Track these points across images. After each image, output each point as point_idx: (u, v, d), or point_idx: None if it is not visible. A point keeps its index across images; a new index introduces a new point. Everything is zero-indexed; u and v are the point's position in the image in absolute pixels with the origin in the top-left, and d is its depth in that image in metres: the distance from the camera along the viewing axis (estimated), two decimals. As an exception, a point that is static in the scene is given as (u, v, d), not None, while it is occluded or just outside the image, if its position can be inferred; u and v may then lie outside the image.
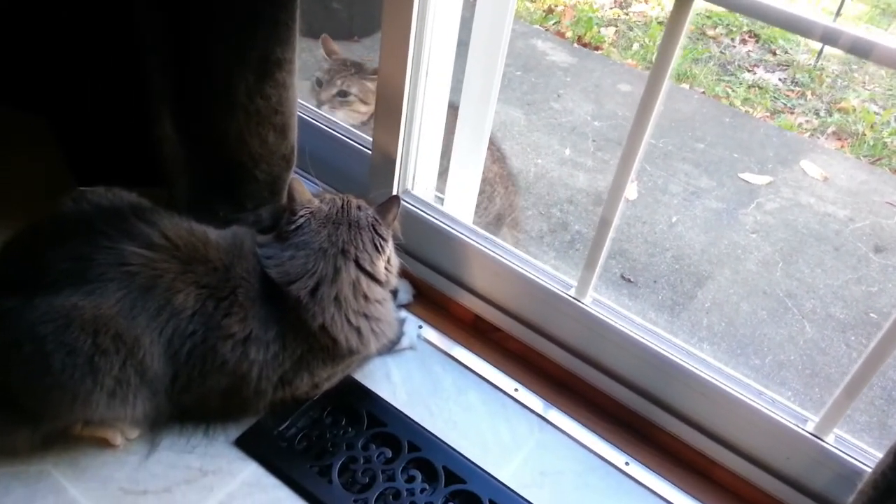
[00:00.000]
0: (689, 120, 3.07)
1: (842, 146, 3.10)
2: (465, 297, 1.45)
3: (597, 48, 3.57)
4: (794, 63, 3.54)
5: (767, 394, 1.19)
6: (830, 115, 3.24)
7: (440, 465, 1.22)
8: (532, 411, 1.33)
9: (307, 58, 3.04)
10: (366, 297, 1.19)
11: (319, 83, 2.07)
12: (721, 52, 3.60)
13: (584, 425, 1.32)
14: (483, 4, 1.30)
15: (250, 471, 1.19)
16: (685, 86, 3.33)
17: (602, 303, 1.31)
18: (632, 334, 1.26)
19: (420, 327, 1.45)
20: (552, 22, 3.71)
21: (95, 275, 1.04)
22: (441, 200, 1.53)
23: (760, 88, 3.37)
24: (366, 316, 1.19)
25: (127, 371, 1.05)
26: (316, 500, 1.16)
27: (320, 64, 2.14)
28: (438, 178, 1.53)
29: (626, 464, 1.27)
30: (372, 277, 1.20)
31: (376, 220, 1.22)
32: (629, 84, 3.24)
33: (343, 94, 2.03)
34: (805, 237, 2.54)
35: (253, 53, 1.14)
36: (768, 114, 3.24)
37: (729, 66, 3.49)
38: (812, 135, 3.15)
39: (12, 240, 1.13)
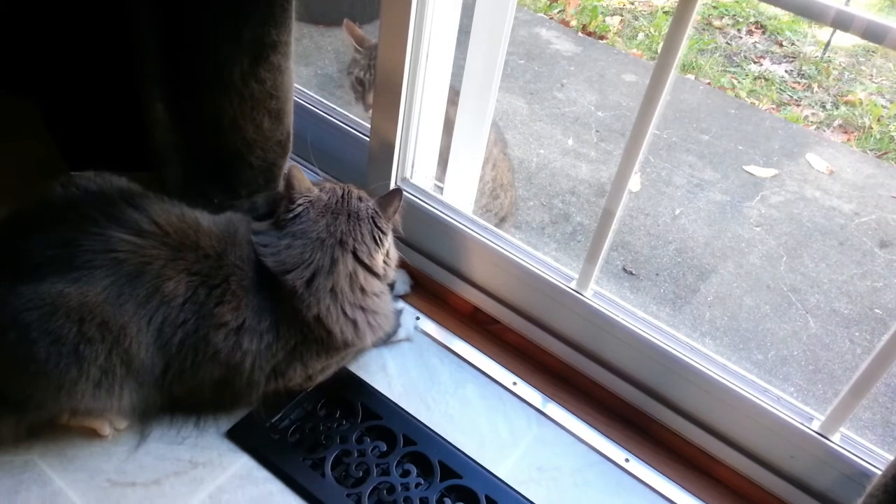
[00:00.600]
0: (694, 111, 3.04)
1: (848, 139, 3.06)
2: (463, 289, 1.43)
3: (602, 37, 3.53)
4: (801, 55, 3.50)
5: (772, 391, 1.17)
6: (837, 108, 3.20)
7: (436, 460, 1.20)
8: (530, 405, 1.31)
9: (308, 44, 3.01)
10: (362, 290, 1.16)
11: (361, 83, 1.65)
12: (727, 42, 3.56)
13: (584, 420, 1.30)
14: (485, -12, 1.27)
15: (241, 463, 1.17)
16: (690, 76, 3.29)
17: (603, 295, 1.29)
18: (633, 328, 1.24)
19: (417, 318, 1.42)
20: (557, 10, 3.67)
21: (82, 261, 1.02)
22: (440, 190, 1.50)
23: (766, 80, 3.33)
24: (362, 308, 1.17)
25: (112, 360, 1.02)
26: (308, 494, 1.14)
27: (353, 57, 1.69)
28: (437, 166, 1.50)
29: (626, 460, 1.25)
30: (369, 270, 1.17)
31: (376, 212, 1.19)
32: (634, 74, 3.21)
33: None
34: (810, 231, 2.51)
35: (247, 35, 1.11)
36: (774, 106, 3.21)
37: (735, 58, 3.45)
38: (818, 127, 3.12)
39: (-1, 225, 1.10)
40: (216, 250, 1.10)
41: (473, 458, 1.21)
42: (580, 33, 3.51)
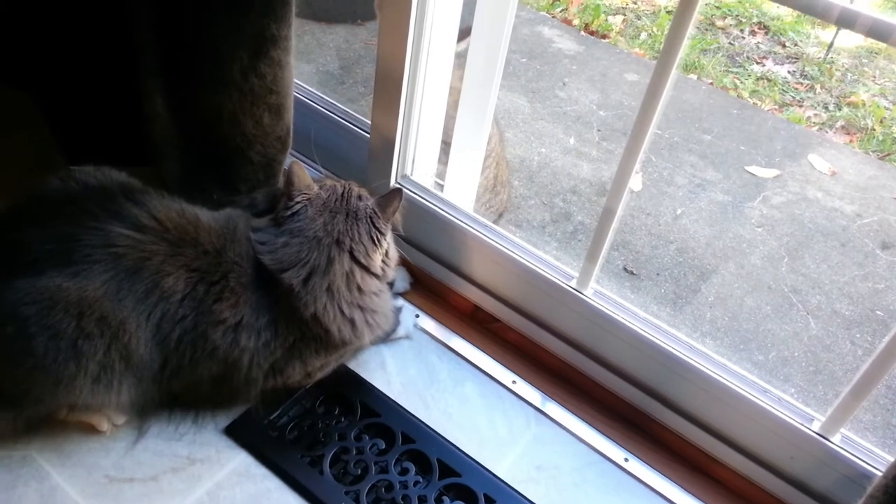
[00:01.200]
0: (696, 111, 3.03)
1: (850, 141, 3.05)
2: (463, 287, 1.42)
3: (604, 36, 3.52)
4: (804, 56, 3.49)
5: (773, 392, 1.16)
6: (840, 109, 3.19)
7: (434, 458, 1.19)
8: (530, 404, 1.30)
9: (309, 41, 3.00)
10: (360, 289, 1.16)
11: None
12: (730, 43, 3.55)
13: (583, 420, 1.29)
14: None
15: (239, 460, 1.16)
16: (693, 76, 3.28)
17: (604, 295, 1.28)
18: (633, 327, 1.23)
19: (417, 316, 1.42)
20: (559, 9, 3.66)
21: (81, 256, 1.01)
22: (441, 187, 1.49)
23: (769, 81, 3.32)
24: (360, 307, 1.16)
25: (111, 356, 1.02)
26: (306, 492, 1.13)
27: None
28: (438, 163, 1.50)
29: (626, 460, 1.24)
30: (367, 270, 1.17)
31: (375, 211, 1.18)
32: (636, 73, 3.20)
33: None
34: (812, 232, 2.50)
35: (247, 29, 1.11)
36: (776, 106, 3.20)
37: (737, 58, 3.44)
38: (821, 129, 3.11)
39: (-3, 219, 1.10)
40: (215, 247, 1.10)
41: (472, 456, 1.21)
42: (582, 32, 3.51)
